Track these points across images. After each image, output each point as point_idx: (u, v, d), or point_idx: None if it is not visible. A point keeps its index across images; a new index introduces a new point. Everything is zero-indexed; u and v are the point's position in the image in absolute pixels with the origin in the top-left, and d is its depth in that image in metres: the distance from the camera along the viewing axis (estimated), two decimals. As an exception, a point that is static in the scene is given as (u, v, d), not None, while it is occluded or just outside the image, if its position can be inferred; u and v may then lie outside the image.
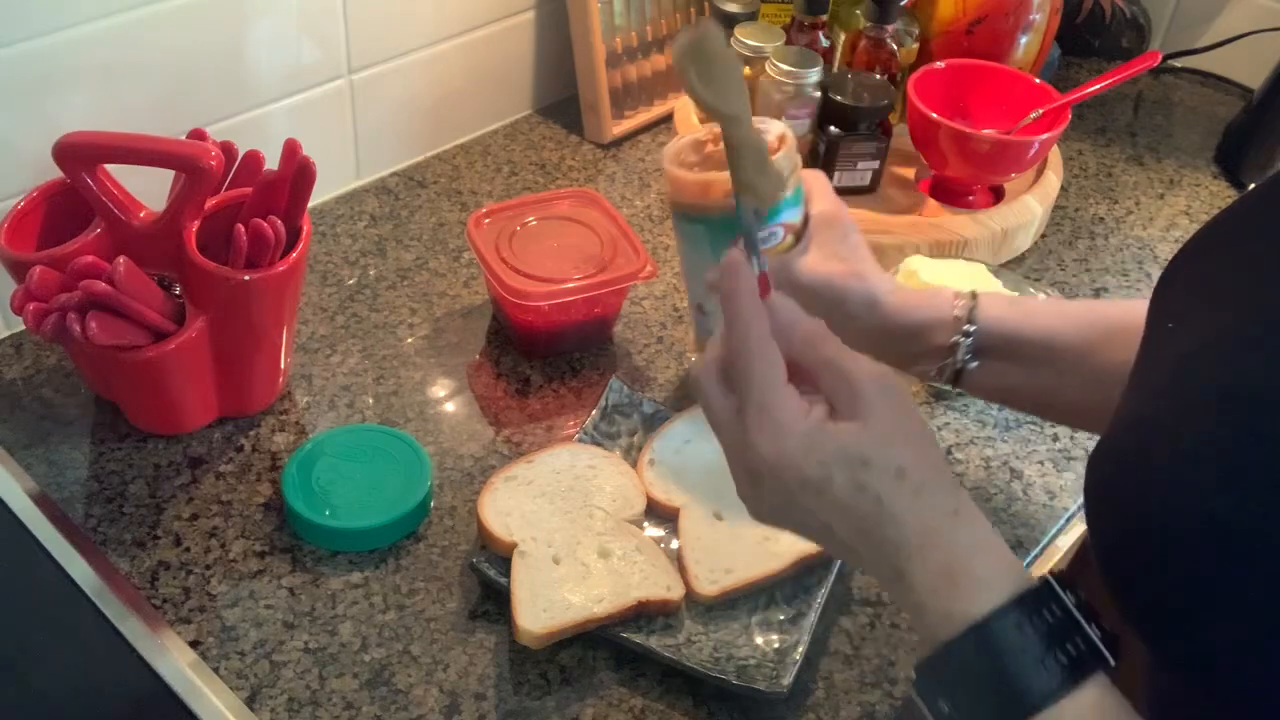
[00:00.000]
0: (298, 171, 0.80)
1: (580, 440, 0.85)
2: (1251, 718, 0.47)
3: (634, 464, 0.84)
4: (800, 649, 0.72)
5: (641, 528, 0.80)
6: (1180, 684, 0.52)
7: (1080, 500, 0.87)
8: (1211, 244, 0.57)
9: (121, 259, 0.74)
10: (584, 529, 0.77)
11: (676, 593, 0.74)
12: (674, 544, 0.79)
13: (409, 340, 0.96)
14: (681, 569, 0.76)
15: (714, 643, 0.73)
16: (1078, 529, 0.87)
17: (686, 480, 0.82)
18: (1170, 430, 0.49)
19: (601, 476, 0.81)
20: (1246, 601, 0.45)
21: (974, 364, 0.76)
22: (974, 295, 0.77)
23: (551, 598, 0.72)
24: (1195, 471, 0.47)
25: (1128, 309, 0.70)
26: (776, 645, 0.73)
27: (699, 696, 0.71)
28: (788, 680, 0.70)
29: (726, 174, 0.85)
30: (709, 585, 0.75)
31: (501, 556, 0.76)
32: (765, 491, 0.55)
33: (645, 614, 0.74)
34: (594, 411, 0.87)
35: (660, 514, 0.81)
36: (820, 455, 0.53)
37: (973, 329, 0.75)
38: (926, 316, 0.76)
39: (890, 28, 1.11)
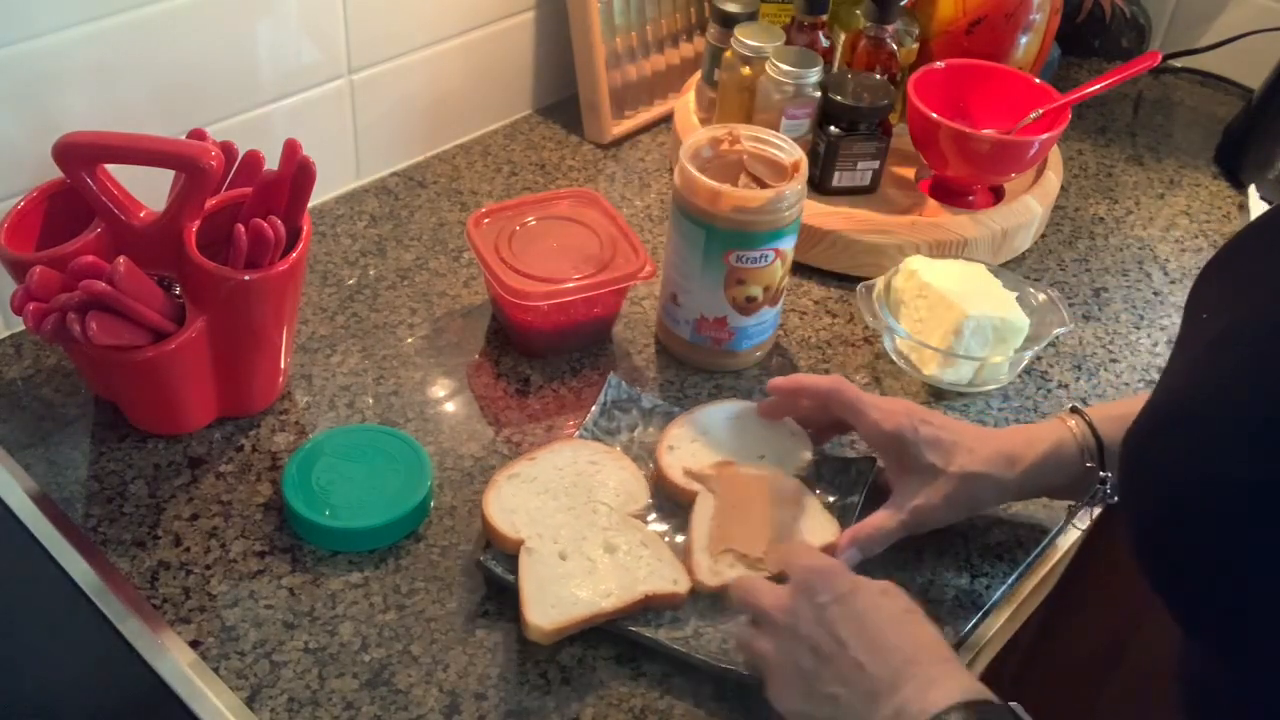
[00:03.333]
0: (298, 171, 0.80)
1: (581, 437, 0.85)
2: None
3: (635, 458, 0.84)
4: None
5: (646, 522, 0.80)
6: (1213, 657, 0.53)
7: (1081, 499, 0.87)
8: (1242, 246, 0.59)
9: (121, 259, 0.74)
10: (589, 524, 0.78)
11: (682, 586, 0.74)
12: (679, 538, 0.79)
13: (409, 340, 0.96)
14: (687, 556, 0.76)
15: (721, 634, 0.73)
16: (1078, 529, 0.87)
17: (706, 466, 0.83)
18: (1203, 404, 0.51)
19: (604, 472, 0.81)
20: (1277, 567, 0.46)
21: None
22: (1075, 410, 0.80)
23: (559, 593, 0.73)
24: (1229, 440, 0.49)
25: None
26: None
27: (699, 697, 0.71)
28: None
29: (737, 187, 0.87)
30: (712, 576, 0.75)
31: (507, 554, 0.76)
32: (799, 602, 0.66)
33: (651, 608, 0.74)
34: (594, 408, 0.87)
35: (667, 506, 0.82)
36: (852, 575, 0.67)
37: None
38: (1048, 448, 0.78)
39: (890, 28, 1.11)
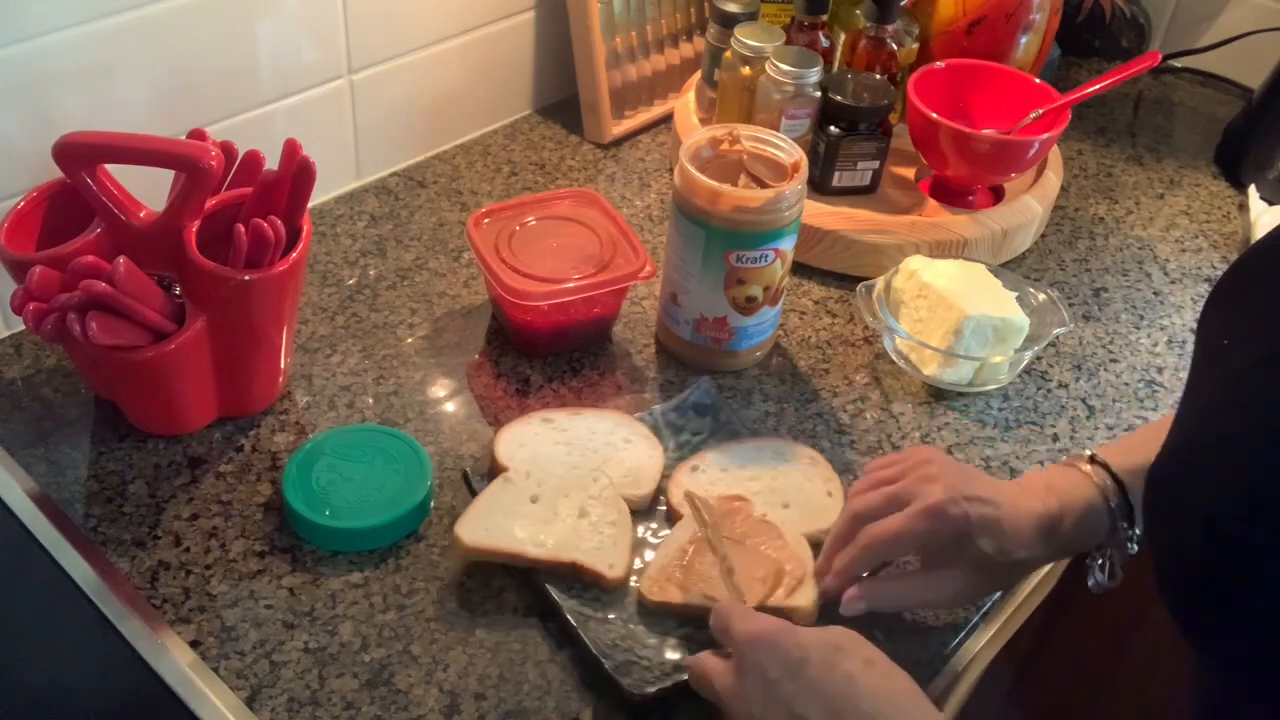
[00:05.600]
0: (298, 171, 0.80)
1: (641, 419, 0.86)
2: None
3: (677, 459, 0.84)
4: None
5: (644, 512, 0.80)
6: (1230, 685, 0.53)
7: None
8: (1262, 264, 0.58)
9: (121, 259, 0.74)
10: (580, 486, 0.79)
11: (615, 573, 0.75)
12: (662, 534, 0.80)
13: (409, 340, 0.96)
14: (645, 563, 0.77)
15: (625, 633, 0.73)
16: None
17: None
18: (1235, 439, 0.50)
19: (631, 452, 0.83)
20: None
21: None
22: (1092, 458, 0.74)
23: (500, 523, 0.76)
24: (1261, 477, 0.47)
25: None
26: (675, 660, 0.72)
27: (698, 698, 0.71)
28: (652, 690, 0.69)
29: (737, 187, 0.87)
30: (651, 589, 0.74)
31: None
32: (747, 683, 0.61)
33: (579, 578, 0.75)
34: (673, 399, 0.88)
35: (665, 513, 0.82)
36: (798, 639, 0.61)
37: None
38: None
39: (890, 28, 1.11)
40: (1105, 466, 0.72)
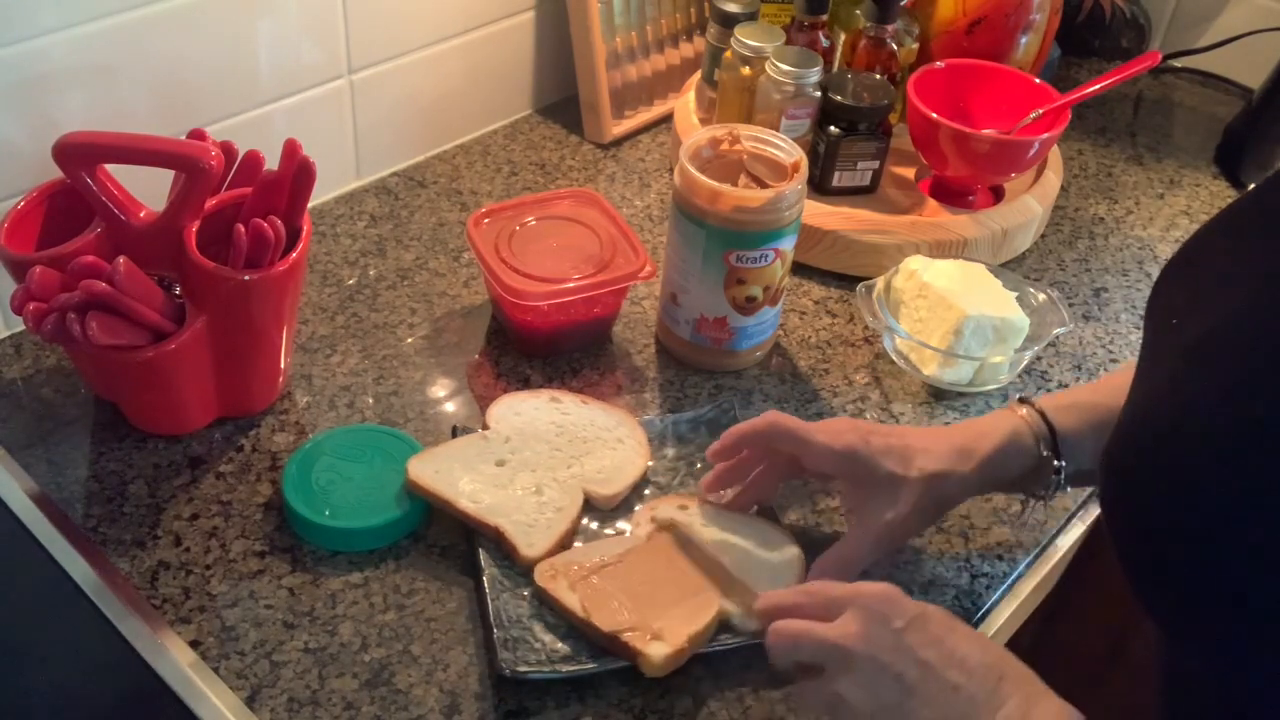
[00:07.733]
0: (298, 171, 0.80)
1: (649, 423, 0.86)
2: (1267, 695, 0.48)
3: (666, 470, 0.84)
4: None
5: (603, 508, 0.80)
6: (1195, 662, 0.53)
7: (1080, 500, 0.87)
8: (1207, 247, 0.58)
9: (121, 259, 0.74)
10: (549, 467, 0.81)
11: (531, 552, 0.75)
12: (618, 528, 0.80)
13: (409, 340, 0.96)
14: (559, 549, 0.76)
15: (533, 613, 0.73)
16: (1077, 529, 0.87)
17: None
18: (1189, 415, 0.50)
19: (616, 451, 0.83)
20: (1264, 578, 0.46)
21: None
22: (1021, 401, 0.77)
23: (452, 472, 0.79)
24: (1226, 453, 0.48)
25: None
26: (564, 651, 0.72)
27: (699, 697, 0.71)
28: (523, 669, 0.69)
29: (738, 187, 0.87)
30: (543, 573, 0.74)
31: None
32: (876, 628, 0.61)
33: (499, 543, 0.77)
34: (689, 411, 0.88)
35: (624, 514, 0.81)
36: (908, 599, 0.62)
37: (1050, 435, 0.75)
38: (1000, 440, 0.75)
39: (890, 28, 1.11)
40: (1032, 404, 0.76)
